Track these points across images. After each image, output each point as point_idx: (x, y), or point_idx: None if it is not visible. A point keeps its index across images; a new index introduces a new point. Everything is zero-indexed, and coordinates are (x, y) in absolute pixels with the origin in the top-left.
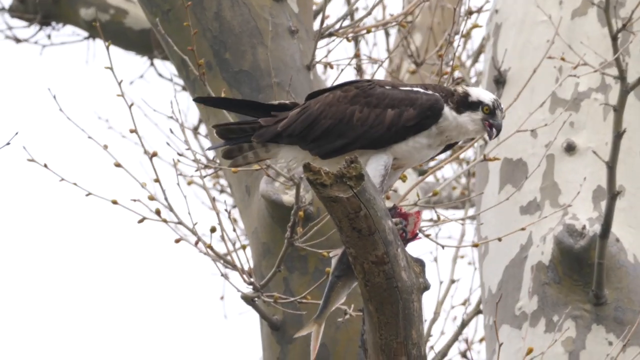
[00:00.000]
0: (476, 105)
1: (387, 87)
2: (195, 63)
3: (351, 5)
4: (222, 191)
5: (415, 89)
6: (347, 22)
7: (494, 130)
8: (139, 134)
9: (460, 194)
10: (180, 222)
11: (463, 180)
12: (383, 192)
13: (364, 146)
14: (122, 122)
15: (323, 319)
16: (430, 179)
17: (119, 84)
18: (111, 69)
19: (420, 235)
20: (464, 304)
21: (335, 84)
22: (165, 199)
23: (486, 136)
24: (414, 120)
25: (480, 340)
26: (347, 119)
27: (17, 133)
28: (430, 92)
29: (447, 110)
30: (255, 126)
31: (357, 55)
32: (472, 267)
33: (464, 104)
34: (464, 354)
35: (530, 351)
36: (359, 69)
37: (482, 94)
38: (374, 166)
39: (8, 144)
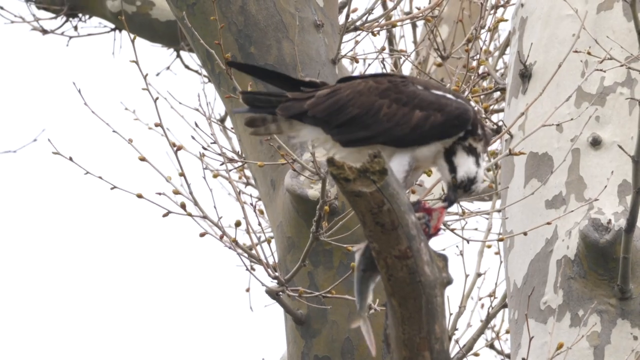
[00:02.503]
0: (452, 169)
1: (420, 87)
2: (221, 57)
3: (376, 0)
4: (247, 184)
5: (447, 94)
6: (373, 16)
7: (445, 203)
8: (165, 127)
9: (488, 187)
10: (205, 216)
11: (490, 172)
12: (406, 187)
13: (387, 143)
14: (148, 113)
15: (365, 311)
16: None
17: (144, 77)
18: (137, 62)
19: (441, 231)
20: (490, 296)
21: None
22: (190, 192)
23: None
24: (440, 127)
25: (506, 332)
26: (374, 112)
27: (43, 130)
28: (461, 101)
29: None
30: (282, 99)
31: (383, 49)
32: (498, 257)
33: (448, 157)
34: (491, 345)
35: (560, 346)
36: (386, 62)
37: (464, 165)
38: (398, 161)
39: (35, 140)
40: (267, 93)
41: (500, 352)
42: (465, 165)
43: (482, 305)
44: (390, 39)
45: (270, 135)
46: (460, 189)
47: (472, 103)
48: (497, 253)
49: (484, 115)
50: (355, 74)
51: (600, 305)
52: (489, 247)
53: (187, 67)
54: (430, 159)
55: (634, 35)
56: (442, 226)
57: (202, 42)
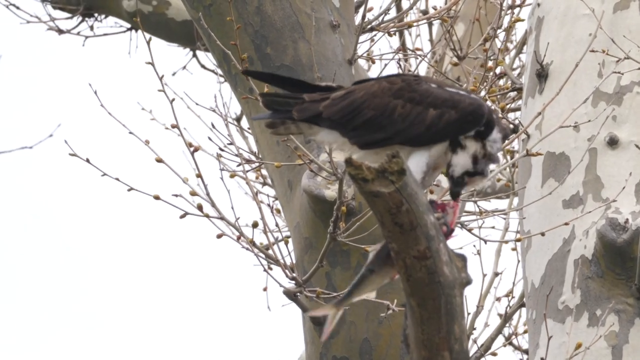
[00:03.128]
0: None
1: (433, 85)
2: (238, 58)
3: (392, 0)
4: (264, 184)
5: (461, 92)
6: (389, 16)
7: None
8: (181, 128)
9: (505, 186)
10: (222, 217)
11: (507, 170)
12: (424, 187)
13: (403, 142)
14: (165, 114)
15: (342, 306)
16: None
17: (161, 79)
18: (152, 64)
19: (455, 232)
20: (507, 296)
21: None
22: (207, 193)
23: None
24: (454, 124)
25: (524, 332)
26: (389, 113)
27: (59, 125)
28: (474, 96)
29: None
30: (299, 101)
31: (399, 50)
32: (515, 254)
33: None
34: (509, 340)
35: (578, 346)
36: (402, 62)
37: (464, 164)
38: (416, 162)
39: (51, 135)
40: (285, 95)
41: (518, 348)
42: (461, 162)
43: (500, 299)
44: (402, 38)
45: (289, 136)
46: (461, 185)
47: (489, 103)
48: (514, 249)
49: (500, 115)
50: (372, 74)
51: (618, 305)
52: (506, 242)
53: (203, 66)
54: (443, 157)
55: None
56: (454, 227)
57: (219, 43)
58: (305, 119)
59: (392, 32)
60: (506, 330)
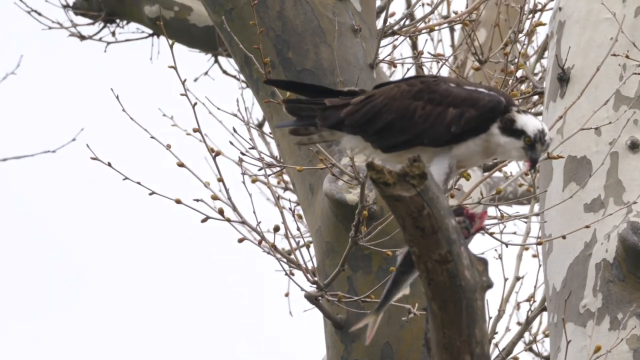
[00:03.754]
0: (519, 134)
1: (452, 85)
2: (260, 62)
3: (413, 5)
4: (286, 188)
5: (479, 89)
6: (410, 20)
7: (529, 164)
8: (203, 133)
9: (526, 191)
10: (243, 222)
11: (529, 176)
12: (446, 191)
13: (425, 144)
14: (187, 119)
15: (381, 311)
16: (497, 174)
17: (183, 83)
18: (175, 68)
19: (482, 231)
20: (528, 300)
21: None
22: (229, 198)
23: (523, 166)
24: (475, 121)
25: (545, 336)
26: (410, 115)
27: (82, 129)
28: (493, 93)
29: (494, 127)
30: (322, 106)
31: (420, 54)
32: (537, 261)
33: (509, 129)
34: (529, 347)
35: (598, 349)
36: (421, 67)
37: (528, 123)
38: (438, 165)
39: (74, 139)
40: (308, 100)
41: (538, 354)
42: (528, 120)
43: (519, 308)
44: (415, 44)
45: (314, 144)
46: (538, 143)
47: None
48: (535, 256)
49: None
50: (393, 79)
51: (639, 309)
52: (527, 249)
53: (225, 72)
54: (475, 156)
55: None
56: (484, 226)
57: (241, 47)
58: (328, 126)
59: (413, 37)
60: (527, 335)
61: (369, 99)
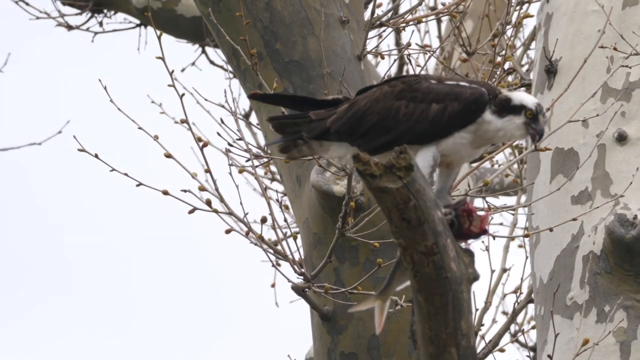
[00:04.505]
0: (519, 109)
1: (433, 82)
2: (247, 53)
3: None
4: (273, 179)
5: (461, 83)
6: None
7: (537, 135)
8: (190, 124)
9: (513, 182)
10: (230, 213)
11: (516, 166)
12: (433, 184)
13: (411, 141)
14: (174, 108)
15: (387, 296)
16: (485, 165)
17: (171, 73)
18: (162, 59)
19: (485, 234)
20: (515, 292)
21: (386, 74)
22: (216, 189)
23: (530, 140)
24: (458, 115)
25: (532, 327)
26: (393, 115)
27: (68, 121)
28: (475, 86)
29: (487, 114)
30: (307, 120)
31: (408, 45)
32: (523, 250)
33: (506, 108)
34: (516, 339)
35: (586, 342)
36: (408, 59)
37: (525, 98)
38: (423, 157)
39: (60, 132)
40: (293, 115)
41: (524, 345)
42: (523, 95)
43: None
44: (399, 34)
45: (305, 157)
46: (540, 114)
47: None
48: (521, 246)
49: None
50: (380, 69)
51: (626, 301)
52: (513, 239)
53: (212, 63)
54: (462, 151)
55: None
56: (487, 228)
57: (228, 39)
58: (315, 137)
59: (401, 28)
60: (514, 327)
61: (352, 105)
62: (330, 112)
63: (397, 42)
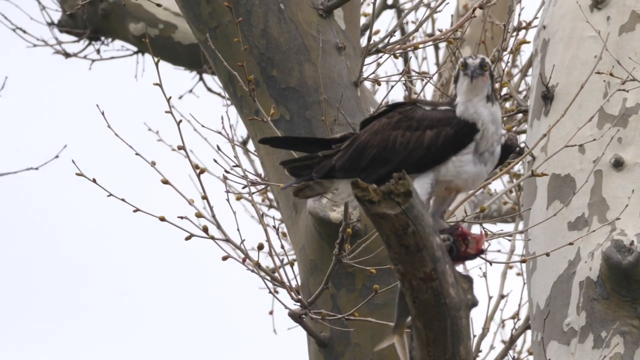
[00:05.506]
0: (457, 72)
1: (427, 108)
2: (244, 79)
3: (398, 22)
4: (270, 206)
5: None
6: (395, 38)
7: (467, 76)
8: (187, 150)
9: (511, 209)
10: (227, 239)
11: (513, 194)
12: (430, 209)
13: (409, 171)
14: (172, 135)
15: (401, 328)
16: (482, 192)
17: (168, 100)
18: (160, 85)
19: (475, 258)
20: (513, 318)
21: (384, 100)
22: (213, 215)
23: (468, 82)
24: (453, 139)
25: (530, 354)
26: (391, 145)
27: (65, 146)
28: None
29: (457, 106)
30: (316, 160)
31: (405, 72)
32: (521, 278)
33: (456, 79)
34: None
35: None
36: (408, 86)
37: (463, 60)
38: (420, 185)
39: (57, 157)
40: (303, 158)
41: None
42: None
43: (504, 326)
44: (406, 59)
45: (318, 196)
46: (468, 59)
47: None
48: (519, 274)
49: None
50: (378, 96)
51: (623, 327)
52: (511, 267)
53: (209, 90)
54: (469, 171)
55: None
56: (483, 248)
57: (225, 64)
58: (323, 176)
59: (397, 55)
60: (511, 353)
61: (354, 140)
62: (335, 150)
63: (406, 67)
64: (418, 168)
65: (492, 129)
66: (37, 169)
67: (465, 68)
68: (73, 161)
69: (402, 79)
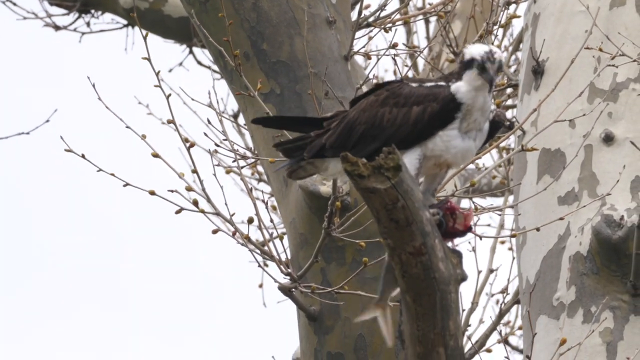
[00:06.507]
0: (470, 64)
1: (414, 85)
2: (231, 54)
3: None
4: (259, 180)
5: (440, 82)
6: (385, 12)
7: (487, 84)
8: (177, 124)
9: (500, 183)
10: (217, 213)
11: (502, 168)
12: (421, 187)
13: (397, 146)
14: (162, 109)
15: (385, 301)
16: (471, 167)
17: (157, 74)
18: (149, 59)
19: (470, 232)
20: (502, 292)
21: (371, 71)
22: (203, 189)
23: (483, 83)
24: (438, 114)
25: (519, 328)
26: (378, 122)
27: (56, 110)
28: (452, 82)
29: (456, 86)
30: (308, 140)
31: (395, 45)
32: (511, 253)
33: (463, 65)
34: (505, 340)
35: (563, 342)
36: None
37: (474, 50)
38: (409, 160)
39: (47, 121)
40: (296, 138)
41: (514, 348)
42: (474, 48)
43: (497, 302)
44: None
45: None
46: (487, 63)
47: None
48: (510, 249)
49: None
50: (368, 71)
51: (612, 302)
52: (503, 243)
53: (199, 63)
54: (457, 146)
55: None
56: (471, 225)
57: (212, 40)
58: (314, 156)
59: (387, 28)
60: (500, 327)
61: (343, 118)
62: (325, 129)
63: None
64: (405, 144)
65: (476, 115)
66: (28, 133)
67: (482, 71)
68: (61, 137)
69: (392, 52)
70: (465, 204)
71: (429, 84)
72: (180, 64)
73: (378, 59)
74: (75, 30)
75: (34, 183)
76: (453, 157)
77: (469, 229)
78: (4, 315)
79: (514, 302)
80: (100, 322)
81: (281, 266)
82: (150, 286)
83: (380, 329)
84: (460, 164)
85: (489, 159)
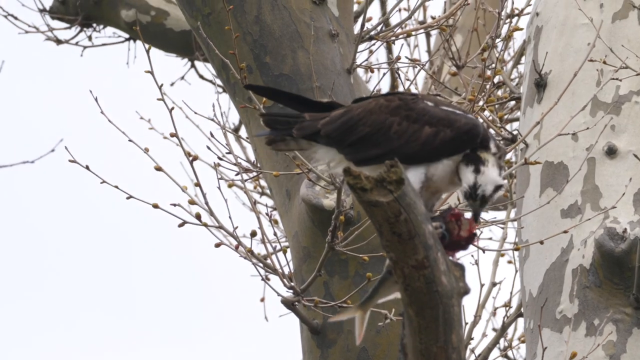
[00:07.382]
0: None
1: (430, 104)
2: (236, 67)
3: (391, 9)
4: (262, 193)
5: (457, 111)
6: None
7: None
8: (180, 137)
9: (503, 196)
10: (220, 226)
11: (505, 181)
12: (423, 199)
13: (399, 160)
14: (164, 123)
15: (367, 308)
16: None
17: (160, 87)
18: (151, 72)
19: (470, 245)
20: (505, 306)
21: (375, 88)
22: (206, 202)
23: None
24: (450, 142)
25: (521, 342)
26: (385, 130)
27: (61, 140)
28: (470, 116)
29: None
30: (300, 120)
31: (397, 59)
32: (512, 266)
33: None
34: (505, 354)
35: (573, 355)
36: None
37: (463, 177)
38: (414, 174)
39: (52, 150)
40: (286, 114)
41: None
42: (465, 175)
43: (495, 314)
44: (390, 48)
45: (290, 150)
46: (469, 199)
47: (487, 112)
48: (510, 262)
49: (498, 125)
50: (370, 84)
51: (615, 315)
52: (503, 255)
53: (201, 77)
54: (445, 179)
55: None
56: (476, 231)
57: (217, 52)
58: (304, 136)
59: (390, 42)
60: (503, 341)
61: (347, 112)
62: (323, 114)
63: (389, 57)
64: (407, 160)
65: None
66: (32, 162)
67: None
68: (66, 148)
69: (395, 66)
70: (467, 216)
71: (446, 108)
72: (182, 77)
73: (384, 74)
74: (77, 44)
75: (38, 209)
76: (445, 187)
77: (473, 235)
78: (12, 322)
79: (517, 316)
80: (103, 333)
81: (284, 280)
82: (152, 299)
83: (355, 328)
84: (449, 191)
85: None
